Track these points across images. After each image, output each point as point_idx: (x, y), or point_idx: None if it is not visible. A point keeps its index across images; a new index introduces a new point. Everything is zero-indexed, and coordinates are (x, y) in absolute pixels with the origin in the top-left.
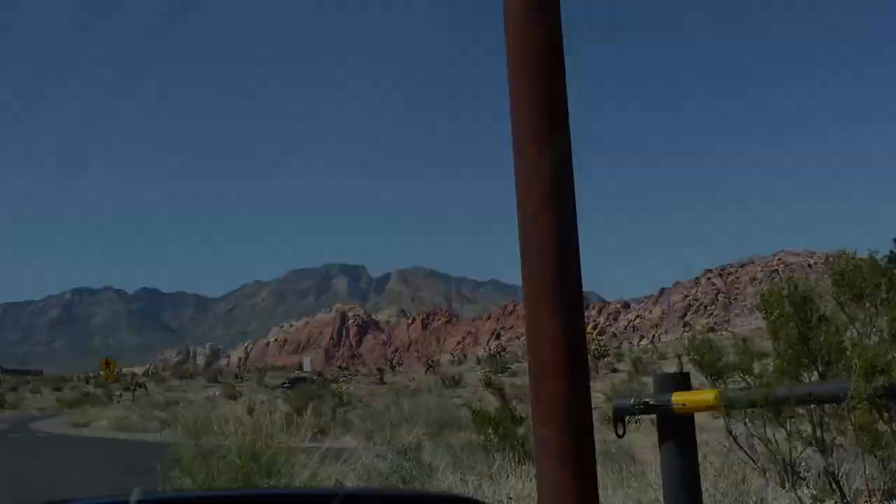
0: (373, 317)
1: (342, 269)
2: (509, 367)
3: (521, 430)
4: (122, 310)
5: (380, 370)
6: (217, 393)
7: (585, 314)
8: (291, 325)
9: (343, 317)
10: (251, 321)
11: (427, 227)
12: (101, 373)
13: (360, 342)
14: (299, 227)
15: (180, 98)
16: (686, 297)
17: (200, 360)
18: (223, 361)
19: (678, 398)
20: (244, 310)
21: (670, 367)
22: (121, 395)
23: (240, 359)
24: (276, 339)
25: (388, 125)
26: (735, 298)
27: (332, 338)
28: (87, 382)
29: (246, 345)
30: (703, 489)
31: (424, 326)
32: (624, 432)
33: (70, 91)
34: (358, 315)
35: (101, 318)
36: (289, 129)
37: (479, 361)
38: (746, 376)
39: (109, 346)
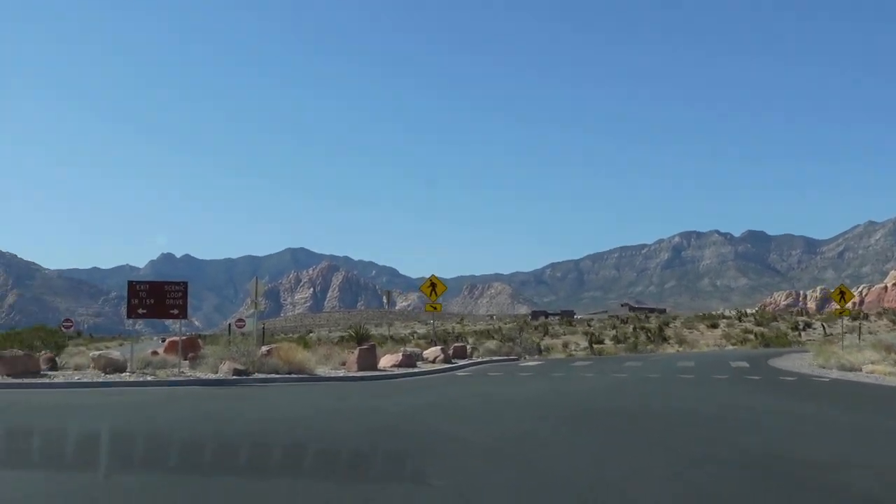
0: None
1: None
2: None
3: None
4: (728, 252)
5: None
6: None
7: None
8: None
9: None
10: (864, 263)
11: None
12: (837, 306)
13: None
14: None
15: None
16: None
17: (811, 304)
18: (835, 305)
19: None
20: (855, 252)
21: None
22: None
23: (853, 303)
24: (894, 283)
25: None
26: None
27: None
28: (740, 320)
29: (860, 288)
30: None
31: None
32: None
33: None
34: None
35: (708, 261)
36: None
37: None
38: None
39: (717, 288)
